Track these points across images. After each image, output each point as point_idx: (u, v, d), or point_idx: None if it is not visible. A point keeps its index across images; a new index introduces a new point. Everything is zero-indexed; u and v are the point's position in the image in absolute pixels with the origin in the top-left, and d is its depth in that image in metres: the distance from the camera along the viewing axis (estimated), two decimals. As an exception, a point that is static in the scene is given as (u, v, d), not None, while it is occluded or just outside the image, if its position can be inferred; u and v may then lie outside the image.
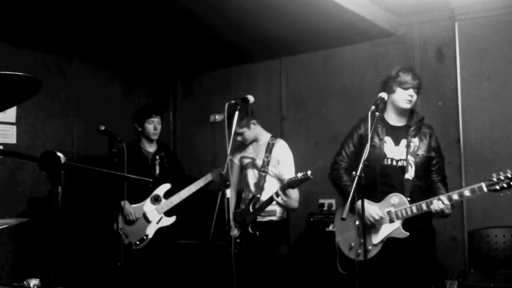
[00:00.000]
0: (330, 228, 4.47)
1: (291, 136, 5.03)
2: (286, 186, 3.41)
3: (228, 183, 3.12)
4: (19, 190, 4.65)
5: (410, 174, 3.13)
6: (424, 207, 3.00)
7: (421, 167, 3.16)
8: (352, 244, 3.20)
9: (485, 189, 2.87)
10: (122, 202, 4.14)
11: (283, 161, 3.64)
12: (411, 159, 3.14)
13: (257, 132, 3.76)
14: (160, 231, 4.33)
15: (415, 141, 3.18)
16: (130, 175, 2.35)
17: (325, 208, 4.85)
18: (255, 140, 3.77)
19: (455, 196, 2.95)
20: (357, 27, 4.40)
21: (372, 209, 3.10)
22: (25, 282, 2.13)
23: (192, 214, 4.68)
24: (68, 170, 1.63)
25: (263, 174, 3.66)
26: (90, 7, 3.83)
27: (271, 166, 3.66)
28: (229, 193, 3.73)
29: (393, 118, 3.25)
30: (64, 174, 1.59)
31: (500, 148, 4.16)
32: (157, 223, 4.33)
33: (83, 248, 4.76)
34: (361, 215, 2.82)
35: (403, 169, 3.14)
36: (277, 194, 3.44)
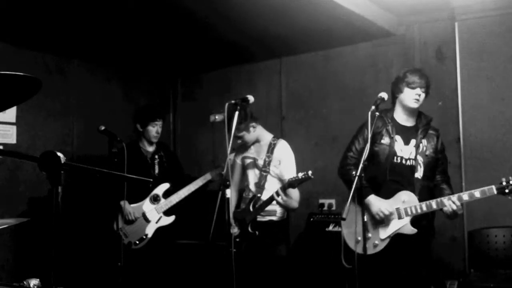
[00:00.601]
0: (330, 228, 4.48)
1: (291, 136, 5.02)
2: (286, 185, 3.41)
3: (228, 183, 3.13)
4: (19, 190, 4.65)
5: (419, 174, 3.20)
6: (434, 206, 3.07)
7: (428, 167, 3.24)
8: (359, 238, 3.22)
9: (495, 192, 2.93)
10: (122, 202, 4.15)
11: (284, 161, 3.64)
12: (420, 159, 3.22)
13: (258, 133, 3.75)
14: (159, 231, 4.33)
15: (424, 141, 3.26)
16: (130, 175, 2.35)
17: (325, 208, 4.85)
18: (256, 141, 3.77)
19: (466, 197, 3.01)
20: (357, 27, 4.40)
21: (382, 205, 3.17)
22: (25, 282, 2.13)
23: (192, 214, 4.68)
24: (68, 170, 1.63)
25: (264, 174, 3.66)
26: (90, 7, 3.83)
27: (272, 166, 3.66)
28: (229, 193, 3.73)
29: (402, 118, 3.33)
30: (64, 174, 1.59)
31: (500, 148, 4.16)
32: (156, 222, 4.33)
33: (83, 248, 4.76)
34: (362, 214, 2.90)
35: (412, 168, 3.22)
36: (277, 194, 3.44)
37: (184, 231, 4.72)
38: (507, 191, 2.92)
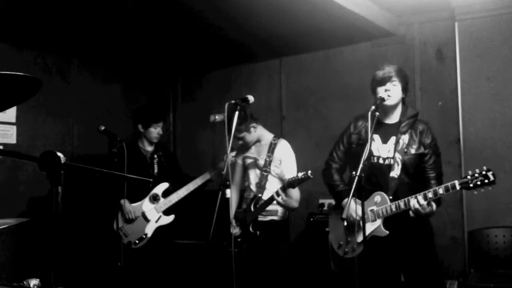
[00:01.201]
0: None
1: (291, 136, 5.01)
2: (286, 185, 3.41)
3: (228, 183, 3.12)
4: (19, 190, 4.65)
5: (395, 172, 3.10)
6: (402, 205, 2.98)
7: (410, 164, 3.12)
8: (341, 242, 3.24)
9: (457, 187, 2.84)
10: (122, 201, 4.16)
11: (285, 161, 3.64)
12: (398, 156, 3.11)
13: (259, 134, 3.75)
14: (159, 230, 4.34)
15: (405, 138, 3.13)
16: (130, 175, 2.35)
17: (325, 208, 4.85)
18: (257, 141, 3.77)
19: (430, 194, 2.90)
20: (357, 27, 4.40)
21: (353, 208, 3.07)
22: (25, 282, 2.13)
23: (192, 214, 4.69)
24: (68, 170, 1.63)
25: (265, 173, 3.66)
26: (90, 7, 3.83)
27: (273, 165, 3.66)
28: (229, 193, 3.73)
29: (382, 116, 3.20)
30: (64, 174, 1.59)
31: (500, 148, 4.16)
32: (156, 222, 4.34)
33: (83, 248, 4.76)
34: (362, 214, 2.81)
35: (390, 167, 3.12)
36: (277, 194, 3.44)
37: (184, 231, 4.72)
38: (471, 185, 2.82)
